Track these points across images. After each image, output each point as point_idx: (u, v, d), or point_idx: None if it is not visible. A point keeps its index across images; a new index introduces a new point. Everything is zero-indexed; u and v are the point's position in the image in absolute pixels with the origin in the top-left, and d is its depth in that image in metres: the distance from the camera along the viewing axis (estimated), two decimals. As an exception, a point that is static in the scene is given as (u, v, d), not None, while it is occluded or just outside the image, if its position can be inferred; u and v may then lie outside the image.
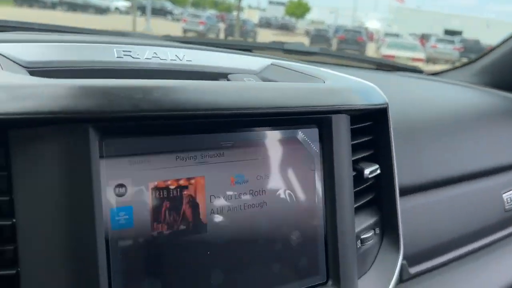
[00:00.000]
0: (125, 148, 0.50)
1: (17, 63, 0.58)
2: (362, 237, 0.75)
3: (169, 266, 0.52)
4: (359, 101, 0.69)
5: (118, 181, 0.49)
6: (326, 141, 0.64)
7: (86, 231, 0.46)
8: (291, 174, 0.62)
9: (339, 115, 0.64)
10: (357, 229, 0.73)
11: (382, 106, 0.76)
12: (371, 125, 0.80)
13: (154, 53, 0.73)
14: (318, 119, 0.63)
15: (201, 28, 23.46)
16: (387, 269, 0.77)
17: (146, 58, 0.72)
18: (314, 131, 0.64)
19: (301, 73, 0.78)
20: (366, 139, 0.78)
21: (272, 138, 0.60)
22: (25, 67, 0.58)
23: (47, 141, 0.45)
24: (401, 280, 0.95)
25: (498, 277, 1.05)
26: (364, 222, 0.76)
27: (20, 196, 0.46)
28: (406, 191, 0.96)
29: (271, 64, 0.84)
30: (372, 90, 0.76)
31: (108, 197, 0.48)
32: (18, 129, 0.45)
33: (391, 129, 0.79)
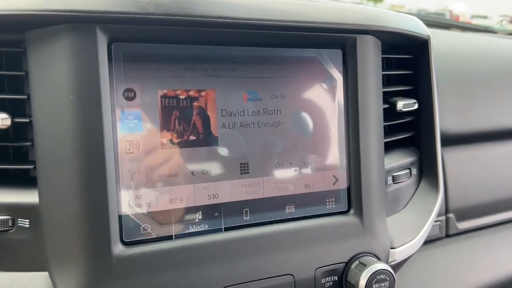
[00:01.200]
0: (135, 53, 0.51)
1: None
2: (394, 174, 0.71)
3: (176, 173, 0.53)
4: (392, 25, 0.64)
5: (127, 85, 0.50)
6: (350, 64, 0.61)
7: (94, 129, 0.48)
8: (310, 97, 0.60)
9: (365, 36, 0.61)
10: (389, 166, 0.70)
11: (420, 35, 0.71)
12: (412, 60, 0.75)
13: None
14: (342, 39, 0.60)
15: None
16: (422, 211, 0.72)
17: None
18: (338, 53, 0.61)
19: (339, 1, 0.74)
20: (404, 72, 0.74)
21: (292, 57, 0.59)
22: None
23: (58, 40, 0.47)
24: (447, 234, 0.90)
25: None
26: (399, 160, 0.72)
27: (36, 94, 0.49)
28: (455, 140, 0.89)
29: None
30: (411, 20, 0.71)
31: (117, 99, 0.50)
32: (33, 30, 0.48)
33: (433, 64, 0.74)
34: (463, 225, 0.91)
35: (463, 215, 0.91)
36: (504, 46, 1.28)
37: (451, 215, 0.89)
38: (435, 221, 0.88)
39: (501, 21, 1.70)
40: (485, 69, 1.01)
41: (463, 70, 0.95)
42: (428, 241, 0.88)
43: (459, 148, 0.91)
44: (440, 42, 1.03)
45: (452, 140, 0.90)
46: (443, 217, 0.89)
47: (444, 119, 0.86)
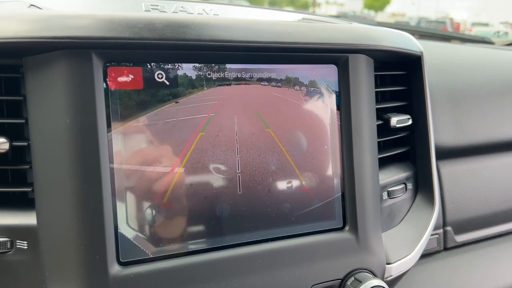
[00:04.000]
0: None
1: (41, 9, 0.63)
2: (389, 189, 0.71)
3: (171, 194, 0.53)
4: (383, 43, 0.65)
5: (122, 107, 0.51)
6: (342, 81, 0.62)
7: (90, 151, 0.49)
8: (304, 113, 0.61)
9: (357, 55, 0.62)
10: (385, 181, 0.70)
11: (413, 52, 0.72)
12: (405, 75, 0.76)
13: (181, 7, 0.75)
14: (334, 58, 0.61)
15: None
16: (418, 226, 0.72)
17: (173, 12, 0.74)
18: (333, 70, 0.62)
19: (331, 23, 0.76)
20: (398, 88, 0.75)
21: (285, 75, 0.60)
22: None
23: (55, 66, 0.48)
24: (445, 247, 0.90)
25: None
26: (394, 175, 0.73)
27: (33, 118, 0.50)
28: (451, 153, 0.90)
29: (303, 18, 0.83)
30: (403, 37, 0.72)
31: (113, 122, 0.51)
32: (31, 56, 0.49)
33: (426, 80, 0.75)
34: (461, 238, 0.91)
35: (461, 228, 0.91)
36: (499, 57, 1.29)
37: (449, 228, 0.89)
38: (433, 234, 0.89)
39: (498, 31, 1.71)
40: (480, 82, 1.02)
41: (458, 83, 0.96)
42: (426, 255, 0.89)
43: (455, 161, 0.92)
44: (434, 55, 1.04)
45: (448, 153, 0.90)
46: (440, 230, 0.89)
47: (440, 133, 0.87)
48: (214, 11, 0.78)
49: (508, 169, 0.96)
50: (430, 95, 0.77)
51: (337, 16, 1.60)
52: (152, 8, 0.73)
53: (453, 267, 0.89)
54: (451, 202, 0.90)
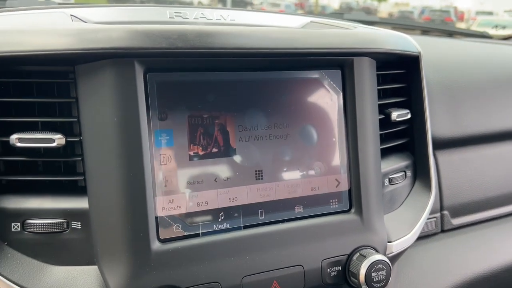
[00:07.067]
0: (166, 81, 0.60)
1: (84, 21, 0.71)
2: (390, 176, 0.80)
3: (202, 180, 0.62)
4: (384, 46, 0.73)
5: (160, 108, 0.60)
6: (348, 82, 0.70)
7: (135, 146, 0.57)
8: (314, 111, 0.69)
9: (361, 58, 0.70)
10: (386, 169, 0.79)
11: (411, 53, 0.80)
12: (405, 74, 0.84)
13: (202, 13, 0.83)
14: (340, 61, 0.69)
15: (280, 16, 23.42)
16: (416, 209, 0.81)
17: (194, 18, 0.82)
18: (337, 73, 0.70)
19: (337, 26, 0.84)
20: (398, 86, 0.83)
21: (298, 78, 0.68)
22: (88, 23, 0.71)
23: (102, 72, 0.57)
24: (442, 229, 0.98)
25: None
26: (394, 164, 0.81)
27: (85, 117, 0.58)
28: (448, 144, 0.98)
29: (311, 21, 0.91)
30: (403, 39, 0.80)
31: (152, 121, 0.59)
32: (82, 64, 0.58)
33: (424, 77, 0.83)
34: (457, 221, 1.00)
35: (457, 212, 0.99)
36: (495, 52, 1.36)
37: (445, 212, 0.98)
38: (431, 218, 0.97)
39: (496, 26, 1.78)
40: (475, 77, 1.10)
41: (454, 79, 1.03)
42: (425, 236, 0.97)
43: (452, 151, 1.00)
44: (433, 51, 1.12)
45: (446, 144, 0.99)
46: (438, 214, 0.97)
47: (438, 125, 0.95)
48: (230, 17, 0.85)
49: (500, 157, 1.04)
50: (428, 91, 0.85)
51: (341, 13, 1.67)
52: (176, 15, 0.81)
53: (450, 248, 0.98)
54: (448, 188, 0.98)
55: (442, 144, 0.97)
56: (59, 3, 1.03)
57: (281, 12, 1.06)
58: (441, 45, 1.29)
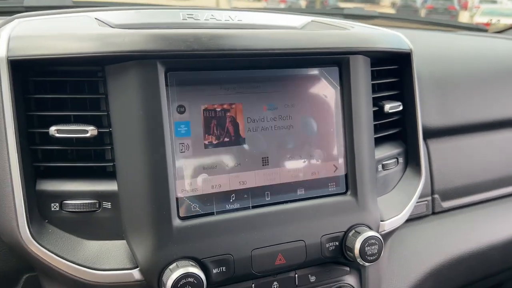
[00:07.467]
0: (184, 79, 0.69)
1: (109, 25, 0.79)
2: (384, 163, 0.88)
3: (216, 166, 0.71)
4: (378, 45, 0.81)
5: (179, 102, 0.68)
6: (345, 78, 0.78)
7: (158, 135, 0.66)
8: (314, 104, 0.77)
9: (356, 56, 0.78)
10: (380, 156, 0.87)
11: (403, 50, 0.88)
12: (398, 69, 0.92)
13: (212, 15, 0.91)
14: (338, 59, 0.78)
15: (282, 6, 23.51)
16: (407, 192, 0.89)
17: (205, 20, 0.90)
18: (335, 70, 0.78)
19: (335, 26, 0.92)
20: (391, 80, 0.91)
21: (299, 75, 0.76)
22: (114, 27, 0.79)
23: (129, 72, 0.65)
24: (433, 212, 1.07)
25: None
26: (387, 151, 0.90)
27: (114, 111, 0.67)
28: (439, 133, 1.06)
29: (312, 20, 0.99)
30: (395, 37, 0.88)
31: (172, 113, 0.68)
32: (111, 65, 0.66)
33: (415, 72, 0.91)
34: (447, 204, 1.08)
35: (447, 195, 1.08)
36: (487, 45, 1.44)
37: (436, 195, 1.06)
38: (423, 201, 1.06)
39: (491, 20, 1.85)
40: (466, 70, 1.18)
41: (445, 73, 1.11)
42: (417, 218, 1.06)
43: (443, 140, 1.08)
44: (427, 46, 1.20)
45: (437, 133, 1.07)
46: (429, 197, 1.06)
47: (429, 116, 1.04)
48: (238, 18, 0.93)
49: (488, 145, 1.13)
50: (420, 84, 0.93)
51: (342, 9, 1.73)
52: (188, 17, 0.89)
53: (440, 228, 1.06)
54: (438, 174, 1.07)
55: (433, 133, 1.06)
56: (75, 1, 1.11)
57: (282, 1, 1.13)
58: (435, 39, 1.36)
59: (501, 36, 1.69)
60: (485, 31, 1.82)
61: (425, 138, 1.07)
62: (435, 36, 1.43)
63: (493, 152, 1.13)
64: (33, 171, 0.68)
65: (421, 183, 0.91)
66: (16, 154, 0.64)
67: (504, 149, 1.14)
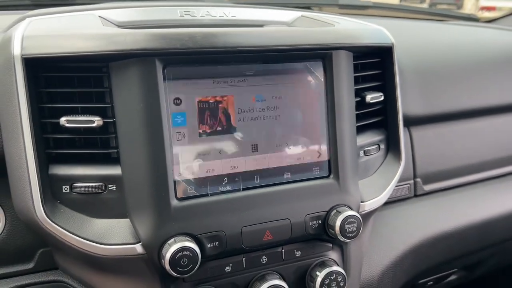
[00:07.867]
0: (180, 74, 0.76)
1: (111, 23, 0.86)
2: (366, 149, 0.96)
3: (209, 152, 0.79)
4: (359, 40, 0.88)
5: (175, 95, 0.76)
6: (328, 71, 0.85)
7: (157, 125, 0.74)
8: (300, 96, 0.84)
9: (338, 51, 0.85)
10: (362, 143, 0.95)
11: (385, 44, 0.94)
12: (380, 62, 0.99)
13: (207, 11, 0.98)
14: (321, 54, 0.85)
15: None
16: (387, 176, 0.97)
17: (201, 16, 0.97)
18: (319, 64, 0.85)
19: (323, 21, 0.98)
20: (374, 72, 0.98)
21: (286, 68, 0.83)
22: (117, 25, 0.87)
23: (130, 68, 0.73)
24: (415, 194, 1.15)
25: (501, 205, 1.20)
26: (369, 138, 0.97)
27: (117, 103, 0.75)
28: (421, 121, 1.13)
29: (301, 15, 1.05)
30: (378, 32, 0.95)
31: (169, 105, 0.75)
32: (114, 62, 0.74)
33: (396, 64, 0.98)
34: (429, 187, 1.16)
35: (428, 179, 1.16)
36: (474, 35, 1.50)
37: (418, 179, 1.14)
38: (405, 184, 1.14)
39: (481, 8, 1.89)
40: (448, 60, 1.25)
41: (427, 63, 1.18)
42: (400, 200, 1.14)
43: (424, 127, 1.16)
44: (411, 36, 1.26)
45: (419, 121, 1.14)
46: (411, 181, 1.14)
47: (411, 105, 1.11)
48: (231, 14, 1.00)
49: (468, 132, 1.20)
50: (404, 74, 1.00)
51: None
52: (185, 14, 0.96)
53: (421, 210, 1.14)
54: (421, 159, 1.14)
55: (416, 121, 1.13)
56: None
57: (290, 6, 1.19)
58: (423, 30, 1.43)
59: (491, 25, 1.74)
60: (477, 20, 1.87)
61: (408, 126, 1.14)
62: (423, 27, 1.49)
63: (473, 139, 1.20)
64: (46, 157, 0.76)
65: (401, 168, 0.98)
66: (31, 142, 0.72)
67: (483, 136, 1.22)
